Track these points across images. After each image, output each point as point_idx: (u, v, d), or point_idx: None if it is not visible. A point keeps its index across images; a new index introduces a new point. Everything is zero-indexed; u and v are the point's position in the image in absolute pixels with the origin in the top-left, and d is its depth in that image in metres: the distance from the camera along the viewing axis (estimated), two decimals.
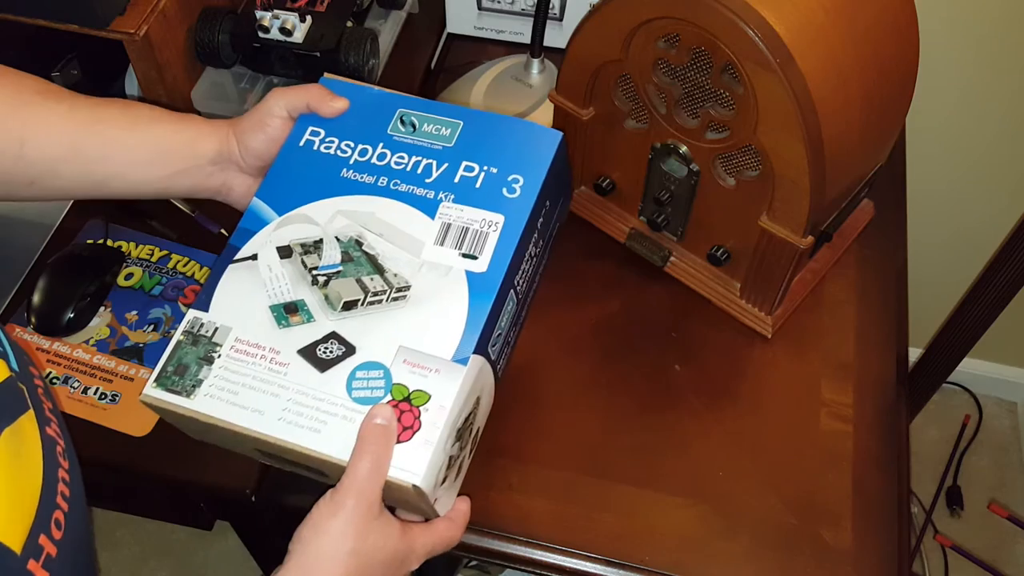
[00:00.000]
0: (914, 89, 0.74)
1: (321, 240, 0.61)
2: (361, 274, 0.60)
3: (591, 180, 0.85)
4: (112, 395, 0.76)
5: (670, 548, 0.69)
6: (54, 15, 0.81)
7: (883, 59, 0.69)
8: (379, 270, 0.60)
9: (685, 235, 0.81)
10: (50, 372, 0.77)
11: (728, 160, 0.72)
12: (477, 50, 1.03)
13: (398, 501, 0.59)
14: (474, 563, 1.24)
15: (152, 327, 0.80)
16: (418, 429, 0.55)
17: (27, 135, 0.59)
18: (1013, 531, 1.51)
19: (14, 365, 0.48)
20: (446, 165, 0.63)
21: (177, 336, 0.59)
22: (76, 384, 0.76)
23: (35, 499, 0.45)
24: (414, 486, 0.54)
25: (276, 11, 0.88)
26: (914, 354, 1.05)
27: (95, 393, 0.76)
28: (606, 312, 0.82)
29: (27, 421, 0.47)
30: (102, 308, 0.81)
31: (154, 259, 0.84)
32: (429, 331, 0.58)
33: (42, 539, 0.44)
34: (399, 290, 0.59)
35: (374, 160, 0.64)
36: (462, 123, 0.64)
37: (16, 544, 0.42)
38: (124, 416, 0.75)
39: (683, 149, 0.74)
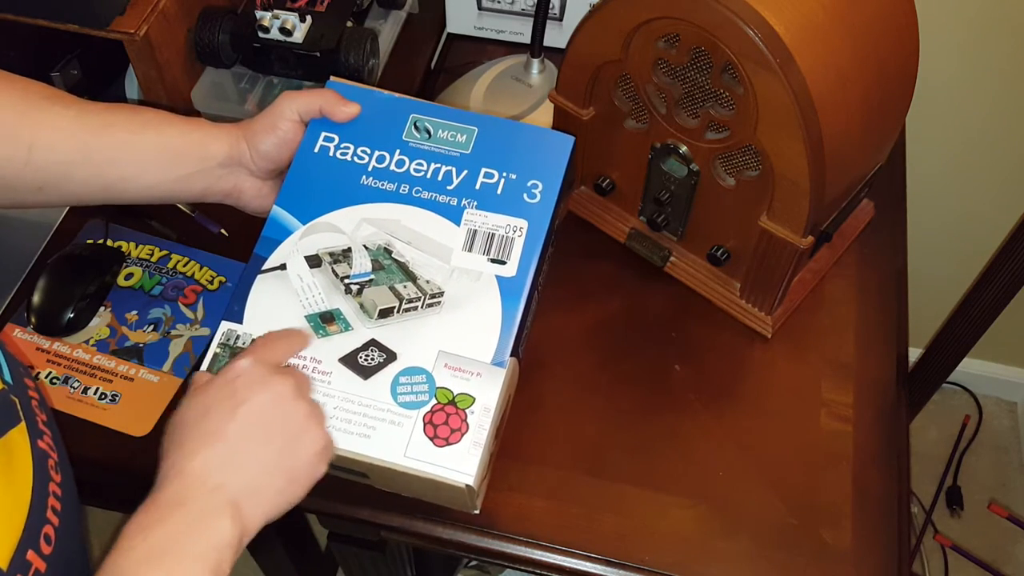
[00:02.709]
0: (914, 89, 0.74)
1: (349, 249, 0.62)
2: (394, 282, 0.61)
3: (591, 180, 0.85)
4: (112, 395, 0.76)
5: (670, 548, 0.69)
6: (54, 15, 0.81)
7: (883, 59, 0.69)
8: (411, 277, 0.61)
9: (685, 235, 0.81)
10: (50, 372, 0.77)
11: (728, 160, 0.72)
12: (477, 50, 1.03)
13: (442, 497, 0.61)
14: (474, 563, 1.24)
15: (152, 327, 0.80)
16: (466, 431, 0.57)
17: (36, 141, 0.59)
18: (1013, 531, 1.51)
19: (7, 377, 0.48)
20: (466, 172, 0.64)
21: (213, 349, 0.60)
22: (76, 384, 0.76)
23: (23, 514, 0.44)
24: (467, 486, 0.57)
25: (276, 11, 0.88)
26: (914, 354, 1.05)
27: (95, 393, 0.76)
28: (606, 312, 0.82)
29: (17, 434, 0.47)
30: (102, 308, 0.81)
31: (154, 259, 0.84)
32: (467, 335, 0.59)
33: (30, 555, 0.44)
34: (433, 296, 0.60)
35: (392, 167, 0.64)
36: (477, 129, 0.65)
37: (2, 560, 0.42)
38: (124, 416, 0.75)
39: (683, 149, 0.74)
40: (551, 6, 0.97)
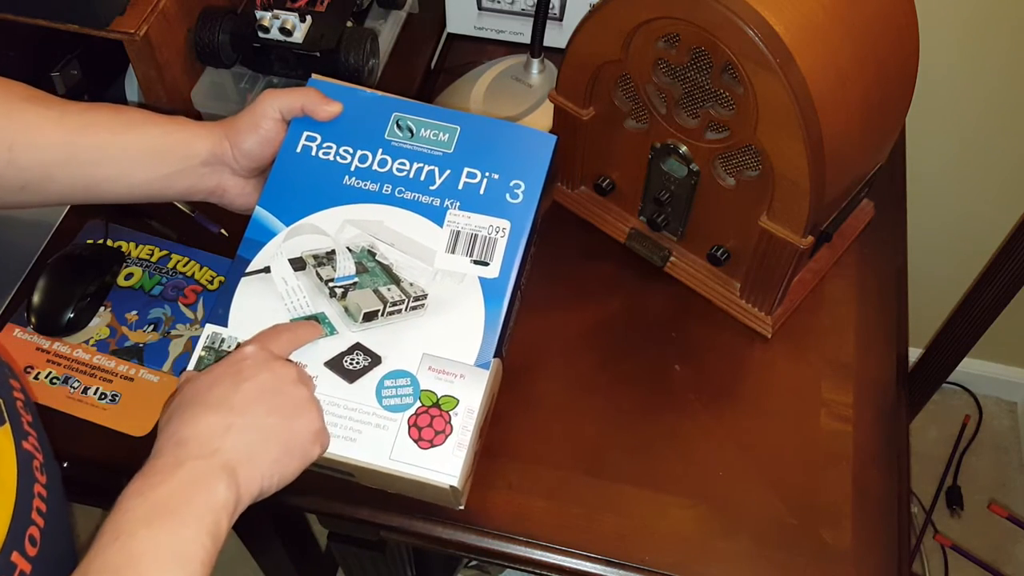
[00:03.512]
0: (914, 89, 0.74)
1: (333, 251, 0.62)
2: (378, 284, 0.61)
3: (591, 180, 0.85)
4: (112, 395, 0.76)
5: (670, 548, 0.69)
6: (54, 15, 0.81)
7: (883, 59, 0.69)
8: (395, 280, 0.61)
9: (685, 235, 0.81)
10: (50, 372, 0.77)
11: (728, 160, 0.72)
12: (477, 50, 1.03)
13: (427, 495, 0.62)
14: (474, 563, 1.24)
15: (152, 327, 0.80)
16: (450, 433, 0.58)
17: (17, 140, 0.59)
18: (1013, 531, 1.51)
19: None
20: (448, 172, 0.64)
21: (198, 352, 0.60)
22: (76, 384, 0.76)
23: (7, 515, 0.44)
24: (451, 487, 0.57)
25: (276, 11, 0.88)
26: (914, 354, 1.05)
27: (95, 393, 0.76)
28: (606, 312, 0.82)
29: (1, 436, 0.47)
30: (102, 308, 0.81)
31: (154, 259, 0.84)
32: (450, 338, 0.60)
33: (15, 556, 0.44)
34: (416, 299, 0.60)
35: (375, 167, 0.64)
36: (459, 128, 0.65)
37: None
38: (124, 416, 0.75)
39: (683, 149, 0.74)
40: (551, 6, 0.97)
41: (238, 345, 0.60)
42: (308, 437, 0.55)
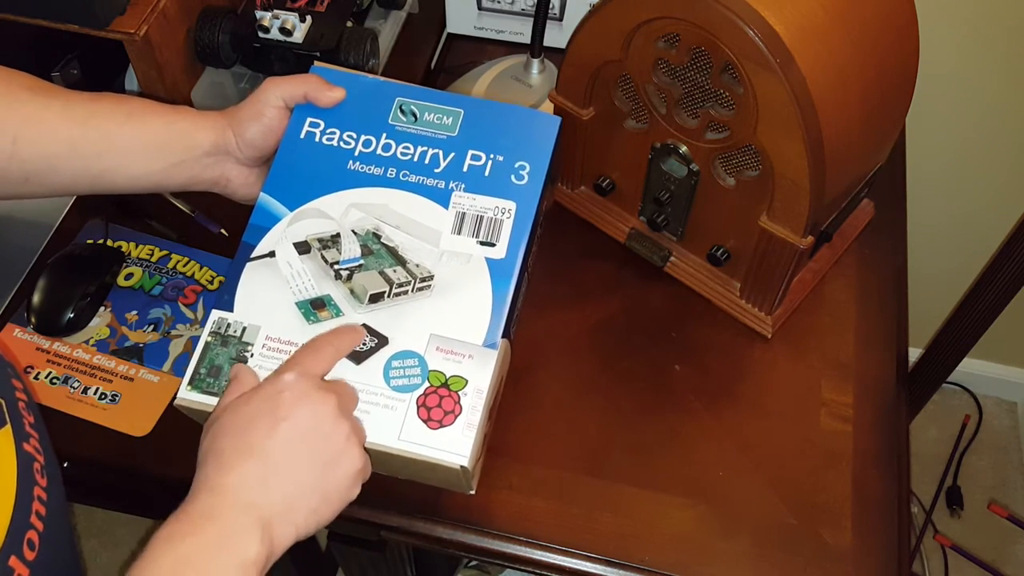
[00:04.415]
0: (914, 89, 0.74)
1: (338, 234, 0.62)
2: (383, 266, 0.61)
3: (591, 180, 0.85)
4: (112, 395, 0.76)
5: (670, 548, 0.69)
6: (54, 15, 0.81)
7: (883, 59, 0.69)
8: (401, 261, 0.61)
9: (685, 235, 0.81)
10: (50, 372, 0.77)
11: (728, 160, 0.72)
12: (477, 50, 1.03)
13: (438, 479, 0.61)
14: (474, 563, 1.24)
15: (152, 327, 0.80)
16: (459, 413, 0.58)
17: (20, 133, 0.59)
18: (1013, 531, 1.51)
19: None
20: (453, 154, 0.64)
21: (204, 338, 0.60)
22: (76, 384, 0.76)
23: (6, 519, 0.44)
24: (462, 467, 0.57)
25: (276, 11, 0.88)
26: (914, 354, 1.05)
27: (95, 393, 0.76)
28: (606, 312, 0.82)
29: (1, 437, 0.46)
30: (102, 308, 0.81)
31: (154, 259, 0.84)
32: (457, 318, 0.60)
33: (12, 560, 0.43)
34: (423, 280, 0.61)
35: (379, 151, 0.64)
36: (463, 111, 0.65)
37: None
38: (124, 416, 0.75)
39: (683, 149, 0.74)
40: (551, 6, 0.97)
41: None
42: (348, 482, 0.53)
